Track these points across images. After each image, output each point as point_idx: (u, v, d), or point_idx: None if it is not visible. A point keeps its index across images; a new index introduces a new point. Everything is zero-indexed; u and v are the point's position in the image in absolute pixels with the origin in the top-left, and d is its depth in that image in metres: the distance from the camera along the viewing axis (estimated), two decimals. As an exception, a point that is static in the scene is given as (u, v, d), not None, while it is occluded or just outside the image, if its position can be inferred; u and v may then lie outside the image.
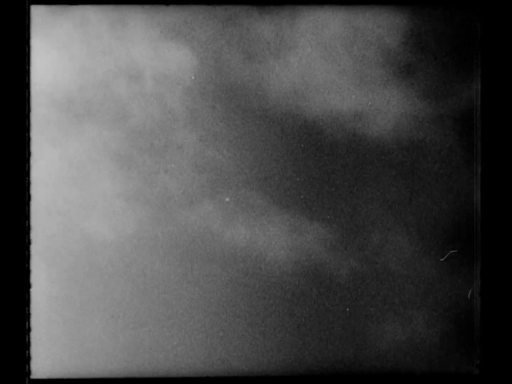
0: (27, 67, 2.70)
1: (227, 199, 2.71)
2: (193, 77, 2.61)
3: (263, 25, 2.73)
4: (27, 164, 2.69)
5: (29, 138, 2.70)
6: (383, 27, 2.76)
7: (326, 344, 2.72)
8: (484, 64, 2.72)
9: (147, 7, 2.72)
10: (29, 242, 2.69)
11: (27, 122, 2.70)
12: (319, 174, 2.73)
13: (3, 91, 2.68)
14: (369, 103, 2.73)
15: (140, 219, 2.71)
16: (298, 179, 2.73)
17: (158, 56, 2.73)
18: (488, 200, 2.71)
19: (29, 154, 2.70)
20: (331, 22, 2.74)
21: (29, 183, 2.70)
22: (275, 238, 2.72)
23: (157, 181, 2.72)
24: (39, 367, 2.68)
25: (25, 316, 2.66)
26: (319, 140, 2.74)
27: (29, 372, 2.67)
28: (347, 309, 2.69)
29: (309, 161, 2.74)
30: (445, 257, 2.62)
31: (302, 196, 2.73)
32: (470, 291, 2.70)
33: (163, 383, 2.68)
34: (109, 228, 2.70)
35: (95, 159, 2.72)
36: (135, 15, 2.72)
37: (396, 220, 2.74)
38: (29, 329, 2.67)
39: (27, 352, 2.66)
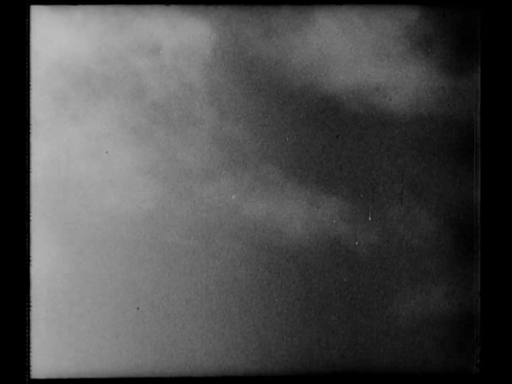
0: (27, 46, 2.71)
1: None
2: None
3: (282, -1, 2.73)
4: (33, 141, 2.70)
5: (27, 115, 2.70)
6: (402, 0, 2.75)
7: (345, 318, 2.72)
8: (484, 62, 2.72)
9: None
10: (28, 217, 2.69)
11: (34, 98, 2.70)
12: (338, 148, 2.73)
13: (7, 67, 2.68)
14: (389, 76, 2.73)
15: (158, 193, 2.71)
16: (316, 153, 2.73)
17: (177, 30, 2.72)
18: (488, 196, 2.71)
19: (28, 130, 2.70)
20: (350, -4, 2.74)
21: (28, 161, 2.70)
22: (293, 212, 2.72)
23: (176, 156, 2.72)
24: (39, 367, 2.69)
25: (25, 315, 2.66)
26: (338, 114, 2.73)
27: (29, 372, 2.67)
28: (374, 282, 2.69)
29: (328, 135, 2.73)
30: None
31: (320, 170, 2.73)
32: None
33: (163, 383, 2.69)
34: (127, 203, 2.71)
35: (113, 133, 2.72)
36: (154, -11, 2.73)
37: (415, 194, 2.73)
38: (29, 329, 2.67)
39: (27, 352, 2.66)
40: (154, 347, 2.70)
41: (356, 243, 2.72)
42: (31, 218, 2.69)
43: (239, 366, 2.71)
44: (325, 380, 2.70)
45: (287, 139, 2.73)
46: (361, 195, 2.73)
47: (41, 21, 2.71)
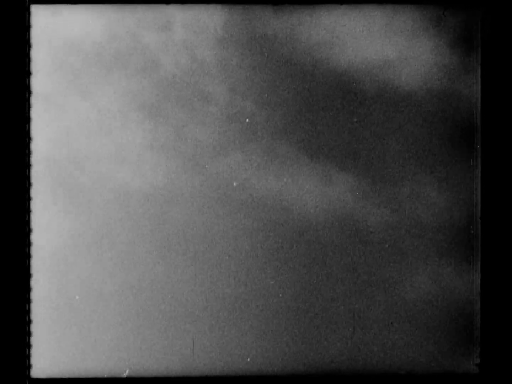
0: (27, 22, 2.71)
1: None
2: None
3: (293, -26, 2.72)
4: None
5: (28, 105, 2.70)
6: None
7: (355, 293, 2.71)
8: (484, 62, 2.71)
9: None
10: (29, 195, 2.69)
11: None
12: (349, 124, 2.72)
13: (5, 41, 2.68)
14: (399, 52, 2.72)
15: (170, 169, 2.71)
16: (328, 129, 2.72)
17: (187, 6, 2.72)
18: (489, 196, 2.70)
19: (28, 112, 2.70)
20: (361, -29, 2.73)
21: (29, 139, 2.70)
22: (305, 188, 2.71)
23: (187, 131, 2.71)
24: (39, 367, 2.68)
25: (26, 315, 2.65)
26: (349, 90, 2.72)
27: (29, 372, 2.66)
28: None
29: (339, 111, 2.72)
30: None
31: (332, 146, 2.72)
32: None
33: (163, 383, 2.68)
34: (139, 179, 2.70)
35: (125, 109, 2.71)
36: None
37: (426, 170, 2.72)
38: (29, 329, 2.66)
39: (27, 352, 2.66)
40: (155, 347, 2.69)
41: (367, 219, 2.71)
42: (43, 194, 2.69)
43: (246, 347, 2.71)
44: (326, 380, 2.69)
45: (299, 115, 2.72)
46: (373, 171, 2.72)
47: (52, -3, 2.72)
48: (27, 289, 2.66)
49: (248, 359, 2.68)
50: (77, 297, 2.68)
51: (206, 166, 2.71)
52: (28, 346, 2.66)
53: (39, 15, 2.70)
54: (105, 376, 2.68)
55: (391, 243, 2.71)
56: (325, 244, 2.71)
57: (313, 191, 2.71)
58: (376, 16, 2.73)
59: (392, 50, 2.73)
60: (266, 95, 2.72)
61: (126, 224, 2.70)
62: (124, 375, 2.66)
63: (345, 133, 2.72)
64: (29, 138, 2.68)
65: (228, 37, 2.72)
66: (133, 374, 2.68)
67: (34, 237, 2.68)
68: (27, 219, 2.66)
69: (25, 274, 2.65)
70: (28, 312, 2.66)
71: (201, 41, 2.72)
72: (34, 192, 2.69)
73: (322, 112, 2.72)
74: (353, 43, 2.73)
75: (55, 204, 2.69)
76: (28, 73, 2.69)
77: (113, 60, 2.72)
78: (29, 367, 2.66)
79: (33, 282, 2.67)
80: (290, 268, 2.71)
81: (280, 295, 2.71)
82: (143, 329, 2.69)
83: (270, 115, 2.72)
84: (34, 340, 2.67)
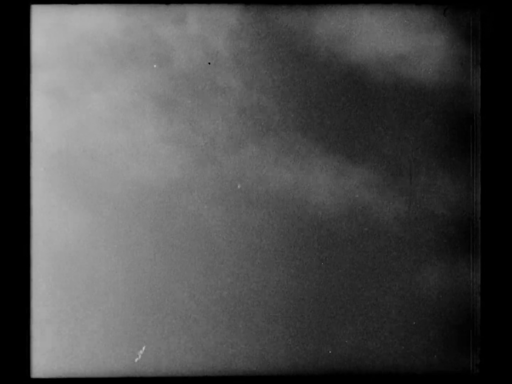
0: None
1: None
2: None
3: (308, -32, 2.73)
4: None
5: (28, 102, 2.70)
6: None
7: (368, 285, 2.71)
8: (484, 62, 2.74)
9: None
10: (29, 189, 2.68)
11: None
12: (364, 117, 2.73)
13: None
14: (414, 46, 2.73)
15: (184, 163, 2.70)
16: (342, 122, 2.73)
17: (202, -1, 2.73)
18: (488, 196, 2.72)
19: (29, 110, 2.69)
20: (375, -34, 2.75)
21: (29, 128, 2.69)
22: (319, 181, 2.71)
23: (201, 125, 2.71)
24: (39, 366, 2.66)
25: (26, 315, 2.64)
26: (364, 84, 2.73)
27: (29, 372, 2.65)
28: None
29: (354, 104, 2.73)
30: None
31: (346, 140, 2.72)
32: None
33: (163, 383, 2.67)
34: (153, 173, 2.70)
35: (139, 103, 2.71)
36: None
37: (440, 163, 2.73)
38: (30, 328, 2.64)
39: (27, 351, 2.64)
40: (155, 346, 2.67)
41: (381, 212, 2.71)
42: (54, 188, 2.68)
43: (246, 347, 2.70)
44: (326, 380, 2.69)
45: (313, 109, 2.73)
46: (387, 164, 2.73)
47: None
48: (27, 288, 2.64)
49: (251, 358, 2.67)
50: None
51: (220, 159, 2.71)
52: (28, 346, 2.64)
53: (50, 10, 2.70)
54: (105, 376, 2.66)
55: (405, 236, 2.71)
56: (338, 237, 2.71)
57: (327, 184, 2.71)
58: (389, 11, 2.75)
59: (405, 44, 2.74)
60: (280, 88, 2.72)
61: (139, 218, 2.69)
62: (136, 360, 2.64)
63: (359, 127, 2.73)
64: (29, 131, 2.68)
65: (242, 30, 2.72)
66: (134, 374, 2.66)
67: (39, 234, 2.67)
68: (29, 214, 2.65)
69: (27, 273, 2.64)
70: (28, 312, 2.64)
71: (216, 34, 2.72)
72: (44, 186, 2.68)
73: (336, 105, 2.73)
74: (368, 36, 2.74)
75: (67, 198, 2.68)
76: (28, 66, 2.68)
77: (126, 53, 2.72)
78: (29, 367, 2.64)
79: (35, 281, 2.66)
80: (303, 261, 2.71)
81: (293, 289, 2.71)
82: (146, 329, 2.68)
83: (284, 108, 2.72)
84: (34, 340, 2.65)
